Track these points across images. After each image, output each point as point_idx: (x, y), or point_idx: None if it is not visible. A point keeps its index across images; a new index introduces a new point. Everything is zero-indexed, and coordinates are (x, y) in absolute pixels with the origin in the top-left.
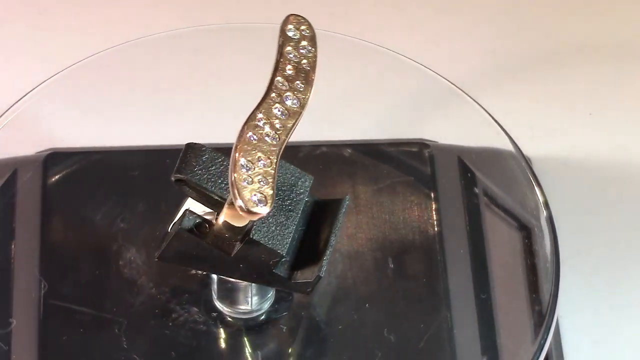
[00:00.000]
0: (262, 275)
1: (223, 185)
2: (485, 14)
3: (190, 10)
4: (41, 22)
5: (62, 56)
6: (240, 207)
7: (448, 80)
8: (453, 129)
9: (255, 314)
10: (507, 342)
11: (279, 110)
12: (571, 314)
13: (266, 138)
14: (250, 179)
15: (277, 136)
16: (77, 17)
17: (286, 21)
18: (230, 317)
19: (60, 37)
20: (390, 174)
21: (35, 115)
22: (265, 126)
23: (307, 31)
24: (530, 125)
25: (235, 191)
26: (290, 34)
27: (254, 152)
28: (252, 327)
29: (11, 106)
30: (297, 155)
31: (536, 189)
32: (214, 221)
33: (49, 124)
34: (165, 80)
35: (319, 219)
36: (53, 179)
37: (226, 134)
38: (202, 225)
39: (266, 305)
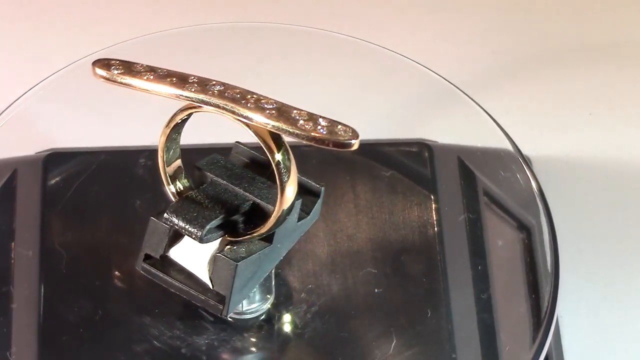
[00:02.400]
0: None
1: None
2: (485, 14)
3: (190, 10)
4: (41, 22)
5: (62, 56)
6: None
7: (448, 81)
8: (453, 129)
9: (255, 314)
10: (507, 342)
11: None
12: (571, 314)
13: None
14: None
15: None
16: (77, 16)
17: None
18: (229, 317)
19: (60, 36)
20: (390, 174)
21: (35, 115)
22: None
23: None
24: (530, 125)
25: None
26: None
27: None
28: (252, 328)
29: (10, 105)
30: (297, 156)
31: (536, 189)
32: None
33: (49, 124)
34: None
35: None
36: (53, 179)
37: (226, 134)
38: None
39: (266, 306)
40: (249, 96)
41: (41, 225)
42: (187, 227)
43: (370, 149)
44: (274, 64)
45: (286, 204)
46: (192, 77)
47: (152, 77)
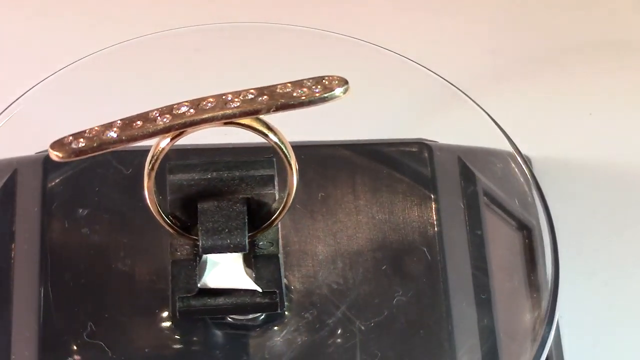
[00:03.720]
0: None
1: None
2: (485, 14)
3: (190, 10)
4: (41, 22)
5: (61, 56)
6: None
7: (447, 81)
8: (453, 129)
9: (255, 315)
10: (507, 342)
11: None
12: (571, 314)
13: None
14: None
15: None
16: (77, 16)
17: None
18: (229, 317)
19: (60, 37)
20: (390, 174)
21: (35, 115)
22: None
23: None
24: (530, 125)
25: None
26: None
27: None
28: (253, 328)
29: (10, 105)
30: (296, 156)
31: (536, 189)
32: None
33: (49, 124)
34: (165, 80)
35: None
36: (53, 179)
37: (226, 135)
38: None
39: None
40: (224, 97)
41: (41, 225)
42: (229, 242)
43: (370, 149)
44: (273, 64)
45: (296, 179)
46: (154, 111)
47: (115, 133)
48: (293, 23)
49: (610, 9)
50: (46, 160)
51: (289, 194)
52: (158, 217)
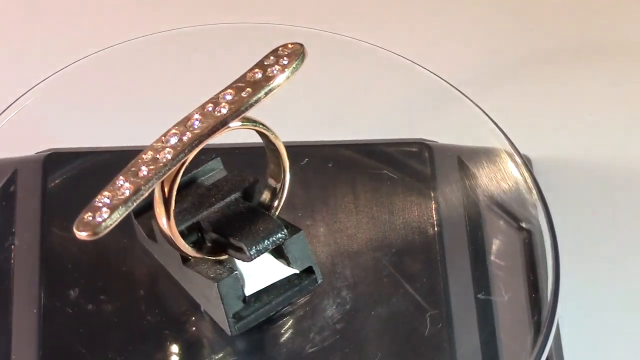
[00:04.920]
0: None
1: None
2: (485, 14)
3: (190, 10)
4: (41, 22)
5: (61, 56)
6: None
7: (447, 82)
8: (453, 129)
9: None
10: (507, 342)
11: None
12: (571, 314)
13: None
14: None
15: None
16: (77, 16)
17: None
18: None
19: (60, 37)
20: (390, 174)
21: (35, 115)
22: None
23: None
24: (530, 125)
25: None
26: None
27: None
28: (252, 328)
29: (10, 105)
30: (297, 156)
31: (536, 189)
32: None
33: (49, 124)
34: (165, 80)
35: None
36: (53, 179)
37: (225, 135)
38: None
39: None
40: (206, 109)
41: (41, 226)
42: (272, 239)
43: (370, 149)
44: None
45: (288, 159)
46: (148, 152)
47: (127, 190)
48: (292, 24)
49: (610, 10)
50: (46, 160)
51: (283, 170)
52: (193, 254)
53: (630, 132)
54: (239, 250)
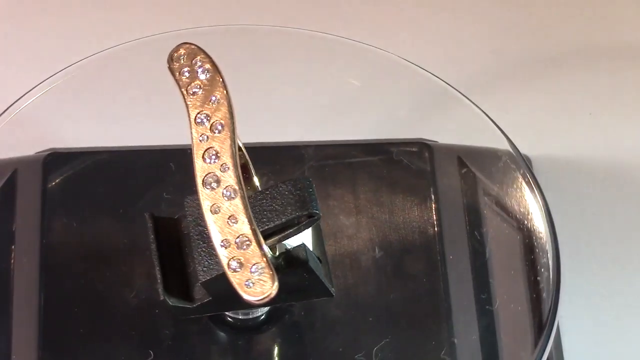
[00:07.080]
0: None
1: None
2: (485, 14)
3: (190, 10)
4: (41, 22)
5: (61, 56)
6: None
7: (447, 83)
8: (453, 129)
9: (255, 315)
10: (507, 343)
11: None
12: (571, 314)
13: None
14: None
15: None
16: (77, 17)
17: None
18: (230, 317)
19: (60, 37)
20: (390, 174)
21: (35, 115)
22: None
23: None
24: (530, 125)
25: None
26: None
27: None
28: (253, 328)
29: (10, 105)
30: (297, 156)
31: (536, 189)
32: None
33: (49, 124)
34: (165, 80)
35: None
36: (53, 179)
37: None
38: None
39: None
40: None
41: (41, 226)
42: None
43: (370, 149)
44: (272, 66)
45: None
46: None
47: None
48: (292, 25)
49: (610, 10)
50: (46, 160)
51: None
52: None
53: (630, 132)
54: None
